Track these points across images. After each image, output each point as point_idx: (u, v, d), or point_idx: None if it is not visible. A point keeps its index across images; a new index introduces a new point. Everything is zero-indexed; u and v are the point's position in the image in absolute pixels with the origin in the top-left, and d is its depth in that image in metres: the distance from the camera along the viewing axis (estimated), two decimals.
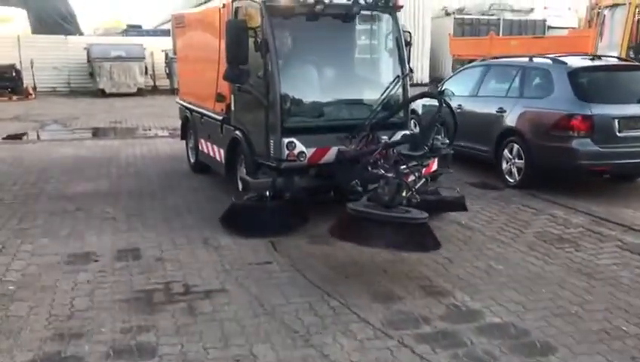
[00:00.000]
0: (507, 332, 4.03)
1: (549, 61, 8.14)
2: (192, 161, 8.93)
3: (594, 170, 7.40)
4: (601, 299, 4.58)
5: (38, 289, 4.70)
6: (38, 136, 13.62)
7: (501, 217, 6.67)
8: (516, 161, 7.91)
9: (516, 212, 6.88)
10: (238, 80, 6.13)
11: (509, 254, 5.54)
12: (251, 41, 5.96)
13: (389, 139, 5.88)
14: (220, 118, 7.16)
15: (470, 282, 4.90)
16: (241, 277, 4.94)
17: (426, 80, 24.39)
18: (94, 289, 4.71)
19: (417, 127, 9.03)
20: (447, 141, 5.75)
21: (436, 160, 6.00)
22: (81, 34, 27.72)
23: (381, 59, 6.91)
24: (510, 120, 8.01)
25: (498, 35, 23.86)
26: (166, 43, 21.93)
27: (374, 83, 6.67)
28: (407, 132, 6.27)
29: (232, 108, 6.85)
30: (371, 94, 6.40)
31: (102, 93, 21.13)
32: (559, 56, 8.24)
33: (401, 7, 6.63)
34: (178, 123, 9.74)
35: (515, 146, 7.90)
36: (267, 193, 6.00)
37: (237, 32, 5.83)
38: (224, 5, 6.83)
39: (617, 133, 7.20)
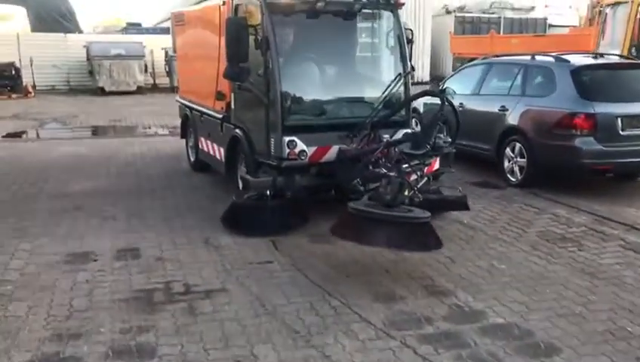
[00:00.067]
0: (511, 333, 3.99)
1: (551, 59, 8.10)
2: (192, 159, 8.89)
3: (597, 169, 7.34)
4: (605, 299, 4.54)
5: (37, 288, 4.66)
6: (37, 134, 13.58)
7: (503, 216, 6.63)
8: (518, 159, 7.86)
9: (518, 211, 6.84)
10: (239, 78, 6.08)
11: (512, 253, 5.50)
12: (251, 38, 5.91)
13: (391, 137, 5.84)
14: (220, 116, 7.11)
15: (472, 282, 4.86)
16: (242, 277, 4.90)
17: (427, 78, 24.36)
18: (93, 288, 4.67)
19: (418, 126, 9.01)
20: (450, 140, 5.70)
21: (438, 159, 5.96)
22: (80, 32, 27.61)
23: (382, 57, 6.86)
24: (512, 118, 7.96)
25: (499, 33, 23.81)
26: (166, 41, 21.90)
27: (376, 81, 6.63)
28: (409, 130, 6.24)
29: (232, 106, 6.80)
30: (373, 92, 6.36)
31: (101, 92, 21.08)
32: (562, 55, 8.19)
33: (403, 4, 6.58)
34: (178, 121, 9.70)
35: (518, 145, 7.86)
36: (268, 192, 5.96)
37: (237, 30, 5.78)
38: (224, 2, 6.78)
39: (620, 132, 7.15)
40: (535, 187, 7.64)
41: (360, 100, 6.45)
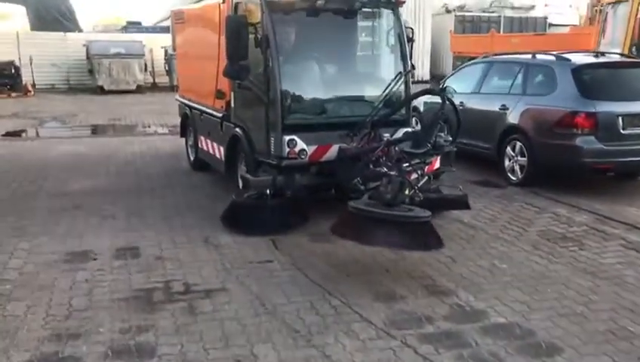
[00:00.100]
0: (512, 333, 3.97)
1: (552, 58, 8.07)
2: (192, 158, 8.86)
3: (598, 168, 7.32)
4: (607, 298, 4.52)
5: (36, 288, 4.64)
6: (36, 133, 13.58)
7: (504, 215, 6.61)
8: (519, 158, 7.84)
9: (519, 210, 6.82)
10: (238, 76, 6.06)
11: (513, 253, 5.48)
12: (251, 37, 5.89)
13: (391, 136, 5.81)
14: (220, 115, 7.09)
15: (474, 281, 4.83)
16: (242, 276, 4.88)
17: (427, 77, 24.33)
18: (93, 288, 4.65)
19: (419, 125, 8.99)
20: (450, 138, 5.67)
21: (439, 157, 5.94)
22: (80, 31, 27.54)
23: (383, 55, 6.85)
24: (513, 117, 7.94)
25: (499, 32, 23.78)
26: (165, 40, 21.86)
27: (376, 79, 6.61)
28: (409, 129, 6.22)
29: (232, 105, 6.77)
30: (373, 91, 6.34)
31: (101, 90, 21.04)
32: (563, 53, 8.17)
33: (403, 2, 6.56)
34: (178, 120, 9.67)
35: (518, 144, 7.84)
36: (268, 191, 5.93)
37: (237, 28, 5.75)
38: (224, 1, 6.75)
39: (621, 131, 7.13)
40: (536, 186, 7.62)
41: (360, 99, 6.43)
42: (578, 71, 7.53)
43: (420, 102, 9.37)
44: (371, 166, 5.40)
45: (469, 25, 25.68)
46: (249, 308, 4.31)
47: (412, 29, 6.85)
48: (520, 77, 8.24)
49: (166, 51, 21.34)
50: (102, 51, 21.19)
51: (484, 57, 10.02)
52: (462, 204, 6.24)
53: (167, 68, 22.01)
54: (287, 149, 5.78)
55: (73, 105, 17.88)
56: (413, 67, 6.52)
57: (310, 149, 5.86)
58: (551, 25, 26.87)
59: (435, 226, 4.94)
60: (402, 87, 6.31)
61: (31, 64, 21.10)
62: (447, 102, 5.45)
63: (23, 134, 13.31)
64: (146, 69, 22.13)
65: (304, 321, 4.10)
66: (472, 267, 5.13)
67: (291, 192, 5.95)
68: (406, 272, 5.00)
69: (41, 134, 13.43)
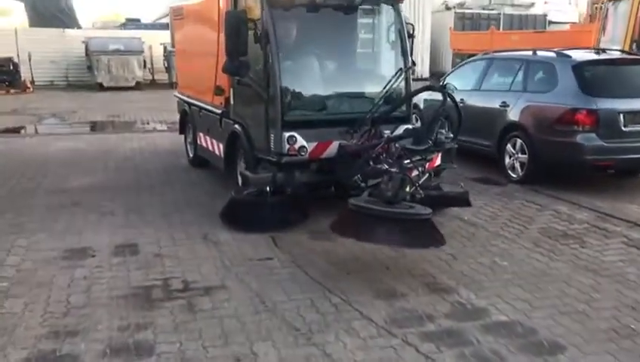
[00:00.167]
0: (514, 331, 3.94)
1: (553, 54, 8.05)
2: (191, 155, 8.83)
3: (598, 165, 7.29)
4: (609, 296, 4.49)
5: (34, 285, 4.60)
6: (35, 129, 13.53)
7: (504, 213, 6.58)
8: (519, 155, 7.81)
9: (520, 208, 6.79)
10: (238, 72, 6.02)
11: (514, 250, 5.45)
12: (251, 33, 5.85)
13: (392, 133, 5.78)
14: (219, 111, 7.04)
15: (475, 279, 4.80)
16: (242, 274, 4.84)
17: (427, 74, 24.28)
18: (91, 285, 4.62)
19: (419, 122, 8.95)
20: (451, 135, 5.64)
21: (440, 154, 5.90)
22: (79, 27, 27.49)
23: (383, 51, 6.79)
24: (513, 114, 7.90)
25: (498, 29, 23.73)
26: (164, 37, 21.79)
27: (376, 76, 6.57)
28: (410, 126, 6.18)
29: (232, 101, 6.73)
30: (373, 87, 6.30)
31: (100, 87, 21.00)
32: (563, 50, 8.13)
33: None
34: (176, 117, 9.63)
35: (519, 141, 7.81)
36: (267, 188, 5.89)
37: (236, 24, 5.71)
38: None
39: (623, 128, 7.10)
40: (536, 183, 7.59)
41: (361, 95, 6.39)
42: (579, 67, 7.50)
43: (420, 100, 9.33)
44: (372, 163, 5.36)
45: (468, 22, 25.63)
46: (249, 305, 4.27)
47: (412, 25, 6.81)
48: (520, 74, 8.21)
49: (165, 48, 21.28)
50: (101, 48, 21.15)
51: (484, 54, 9.97)
52: (463, 201, 6.19)
53: (166, 65, 21.96)
54: (287, 146, 5.74)
55: (72, 102, 17.83)
56: (413, 63, 6.47)
57: (310, 146, 5.82)
58: (550, 22, 26.81)
59: (435, 224, 4.90)
60: (403, 83, 6.27)
61: (30, 60, 21.04)
62: (449, 98, 5.40)
63: (22, 131, 13.28)
64: (145, 66, 22.10)
65: (304, 319, 4.07)
66: (472, 264, 5.10)
67: (291, 189, 5.91)
68: (406, 270, 4.97)
69: (40, 131, 13.38)
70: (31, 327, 3.93)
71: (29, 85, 20.64)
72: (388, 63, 6.61)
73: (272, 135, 5.88)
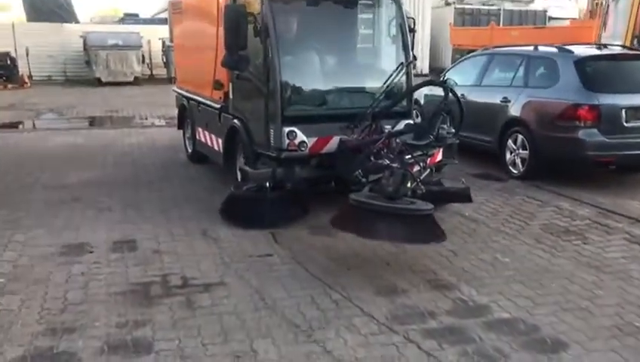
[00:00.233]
0: (516, 328, 3.90)
1: (554, 50, 7.99)
2: (190, 150, 8.77)
3: (600, 161, 7.24)
4: (612, 293, 4.45)
5: (31, 281, 4.55)
6: (33, 124, 13.47)
7: (505, 209, 6.54)
8: (520, 151, 7.76)
9: (521, 203, 6.74)
10: (237, 67, 5.96)
11: (515, 247, 5.41)
12: (251, 26, 5.79)
13: (392, 128, 5.73)
14: (218, 106, 6.98)
15: (476, 275, 4.76)
16: (241, 270, 4.80)
17: (426, 70, 24.22)
18: (89, 281, 4.57)
19: (419, 118, 8.90)
20: (453, 130, 5.59)
21: (441, 150, 5.85)
22: (77, 22, 27.36)
23: (384, 45, 6.73)
24: (514, 110, 7.85)
25: (498, 25, 23.66)
26: (163, 31, 21.70)
27: (377, 70, 6.51)
28: (411, 121, 6.13)
29: (231, 96, 6.67)
30: (374, 82, 6.23)
31: (98, 82, 20.89)
32: (565, 45, 8.08)
33: None
34: (175, 112, 9.57)
35: (520, 137, 7.76)
36: (267, 183, 5.84)
37: (236, 17, 5.65)
38: None
39: (625, 124, 7.06)
40: (537, 179, 7.54)
41: (361, 90, 6.33)
42: (581, 63, 7.44)
43: (420, 95, 9.28)
44: (373, 158, 5.31)
45: (468, 17, 25.57)
46: (248, 302, 4.23)
47: (413, 19, 6.76)
48: (522, 69, 8.15)
49: (163, 43, 21.20)
50: (99, 43, 21.03)
51: (484, 50, 9.92)
52: (464, 196, 6.15)
53: (164, 60, 21.86)
54: (287, 141, 5.69)
55: (70, 97, 17.74)
56: (414, 58, 6.42)
57: (310, 141, 5.76)
58: (550, 18, 26.77)
59: (436, 219, 4.86)
60: (404, 78, 6.21)
61: (27, 55, 20.94)
62: (450, 93, 5.35)
63: (20, 126, 13.21)
64: (143, 61, 22.00)
65: (304, 316, 4.02)
66: (474, 261, 5.06)
67: (291, 185, 5.86)
68: (407, 266, 4.93)
69: (38, 126, 13.32)
70: (27, 324, 3.88)
71: (26, 80, 20.54)
72: (389, 58, 6.55)
73: (272, 130, 5.83)
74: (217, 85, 6.84)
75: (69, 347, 3.61)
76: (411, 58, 6.31)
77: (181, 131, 9.21)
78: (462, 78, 8.85)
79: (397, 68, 6.09)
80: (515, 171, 7.85)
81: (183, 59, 9.01)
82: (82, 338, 3.71)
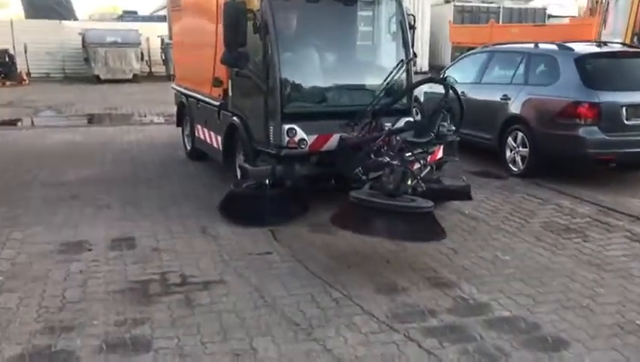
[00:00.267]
0: (517, 326, 3.88)
1: (555, 47, 7.97)
2: (189, 148, 8.74)
3: (600, 159, 7.22)
4: (613, 291, 4.43)
5: (29, 279, 4.52)
6: (32, 122, 13.43)
7: (505, 207, 6.52)
8: (520, 149, 7.74)
9: (521, 201, 6.72)
10: (237, 64, 5.92)
11: (516, 244, 5.39)
12: (250, 23, 5.75)
13: (393, 125, 5.70)
14: (217, 103, 6.95)
15: (476, 273, 4.74)
16: (241, 268, 4.77)
17: (426, 68, 24.18)
18: (87, 279, 4.54)
19: (419, 115, 8.87)
20: (454, 128, 5.56)
21: (442, 147, 5.83)
22: (75, 19, 27.29)
23: (384, 42, 6.70)
24: (515, 107, 7.83)
25: (498, 22, 23.63)
26: (162, 29, 21.68)
27: (377, 67, 6.48)
28: (411, 119, 6.10)
29: (230, 93, 6.64)
30: (375, 79, 6.21)
31: (97, 79, 20.82)
32: (565, 43, 8.05)
33: None
34: (174, 109, 9.53)
35: (520, 134, 7.73)
36: (267, 181, 5.82)
37: (235, 14, 5.62)
38: None
39: (625, 121, 7.04)
40: (537, 177, 7.53)
41: (361, 87, 6.31)
42: (581, 60, 7.42)
43: (420, 93, 9.25)
44: (372, 156, 5.28)
45: (468, 15, 25.53)
46: (248, 300, 4.20)
47: (414, 16, 6.73)
48: (522, 67, 8.13)
49: (162, 40, 21.14)
50: (98, 40, 20.96)
51: (484, 47, 9.89)
52: (464, 194, 6.13)
53: (163, 57, 21.81)
54: (287, 138, 5.67)
55: (69, 94, 17.68)
56: (415, 55, 6.40)
57: (310, 139, 5.74)
58: (550, 16, 26.73)
59: (437, 217, 4.84)
60: (404, 75, 6.19)
61: (26, 52, 20.87)
62: (451, 90, 5.32)
63: (18, 123, 13.17)
64: (142, 58, 21.93)
65: (304, 314, 4.00)
66: (474, 259, 5.04)
67: (291, 182, 5.84)
68: (407, 263, 4.91)
69: (37, 123, 13.27)
70: (25, 322, 3.86)
71: (25, 77, 20.47)
72: (389, 55, 6.52)
73: (272, 127, 5.80)
74: (217, 82, 6.80)
75: (67, 345, 3.58)
76: (411, 55, 6.29)
77: (180, 129, 9.18)
78: (462, 75, 8.82)
79: (397, 65, 6.07)
80: (515, 169, 7.83)
81: (182, 56, 8.97)
82: (80, 336, 3.69)
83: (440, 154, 5.95)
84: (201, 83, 7.49)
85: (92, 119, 13.82)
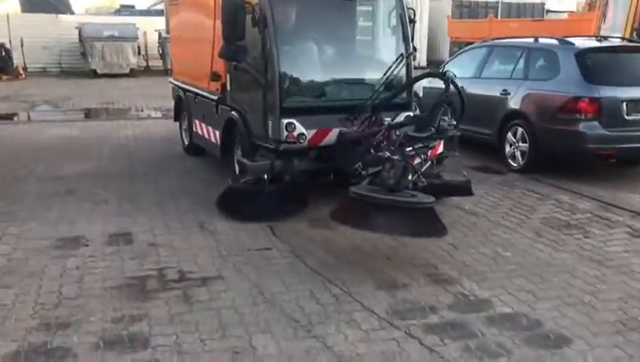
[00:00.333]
0: (519, 323, 3.84)
1: (555, 42, 7.92)
2: (186, 142, 8.67)
3: (601, 154, 7.19)
4: (615, 287, 4.40)
5: (25, 275, 4.47)
6: (28, 116, 13.36)
7: (506, 202, 6.48)
8: (520, 144, 7.70)
9: (521, 197, 6.69)
10: (235, 58, 5.85)
11: (516, 240, 5.35)
12: (249, 17, 5.69)
13: (392, 120, 5.65)
14: (215, 97, 6.89)
15: (477, 269, 4.70)
16: (239, 264, 4.73)
17: (424, 63, 24.12)
18: (84, 275, 4.49)
19: (417, 110, 8.80)
20: (454, 122, 5.51)
21: (442, 142, 5.78)
22: (72, 13, 27.14)
23: (384, 36, 6.64)
24: (514, 102, 7.79)
25: (496, 17, 23.57)
26: (159, 23, 21.60)
27: (377, 62, 6.43)
28: (411, 113, 6.05)
29: (228, 87, 6.58)
30: (374, 73, 6.15)
31: (94, 74, 20.75)
32: (566, 37, 8.00)
33: None
34: (171, 104, 9.46)
35: (519, 129, 7.69)
36: (265, 176, 5.77)
37: (233, 7, 5.55)
38: None
39: (625, 116, 7.01)
40: (536, 172, 7.49)
41: (361, 82, 6.25)
42: (582, 55, 7.38)
43: (419, 87, 9.18)
44: (372, 150, 5.24)
45: (466, 10, 25.50)
46: (247, 296, 4.16)
47: (413, 10, 6.67)
48: (522, 61, 8.08)
49: (160, 34, 21.05)
50: (95, 34, 20.86)
51: (483, 42, 9.83)
52: (465, 190, 6.07)
53: (160, 51, 21.74)
54: (286, 133, 5.61)
55: (65, 89, 17.59)
56: (414, 49, 6.34)
57: (309, 133, 5.69)
58: (548, 11, 26.69)
59: (438, 213, 4.80)
60: (404, 69, 6.13)
61: (22, 46, 20.76)
62: (452, 85, 5.27)
63: (14, 117, 13.09)
64: (139, 53, 21.87)
65: (304, 310, 3.96)
66: (474, 255, 5.00)
67: (290, 177, 5.79)
68: (408, 260, 4.87)
69: (33, 118, 13.21)
70: (21, 319, 3.81)
71: (21, 71, 20.38)
72: (388, 49, 6.46)
73: (270, 122, 5.75)
74: (215, 77, 6.74)
75: (63, 342, 3.54)
76: (411, 49, 6.23)
77: (177, 123, 9.11)
78: (461, 70, 8.71)
79: (397, 59, 6.01)
80: (514, 164, 7.79)
81: (180, 50, 8.90)
82: (77, 333, 3.64)
83: (440, 149, 5.90)
84: (199, 77, 7.43)
85: (89, 114, 13.76)
